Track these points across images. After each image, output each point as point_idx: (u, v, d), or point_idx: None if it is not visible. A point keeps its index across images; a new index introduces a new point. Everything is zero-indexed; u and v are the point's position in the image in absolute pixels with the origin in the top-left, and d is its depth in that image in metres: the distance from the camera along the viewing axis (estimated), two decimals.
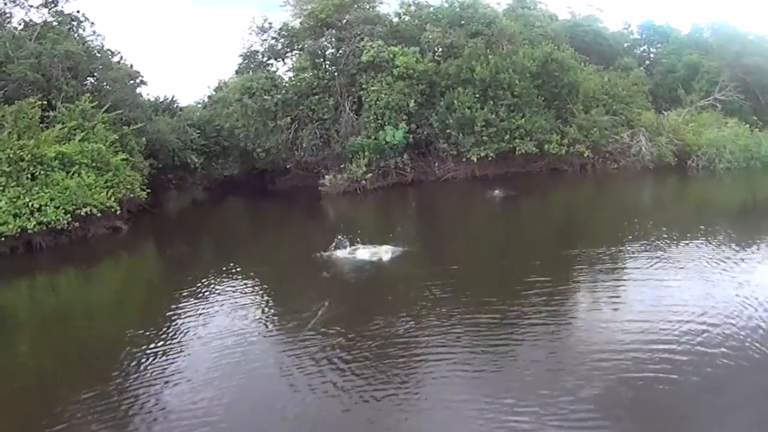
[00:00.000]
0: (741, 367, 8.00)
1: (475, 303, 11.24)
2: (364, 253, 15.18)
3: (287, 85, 30.23)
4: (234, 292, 13.55)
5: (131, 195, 23.34)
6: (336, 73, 29.53)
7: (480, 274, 13.99)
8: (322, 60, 30.43)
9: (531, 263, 13.87)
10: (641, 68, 38.56)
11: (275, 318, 11.79)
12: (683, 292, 11.06)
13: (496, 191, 24.07)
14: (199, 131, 31.65)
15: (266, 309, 12.40)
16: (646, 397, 7.40)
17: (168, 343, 10.63)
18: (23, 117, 21.20)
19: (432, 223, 22.62)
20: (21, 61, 22.75)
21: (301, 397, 8.05)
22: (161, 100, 33.15)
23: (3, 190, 19.25)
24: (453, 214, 23.71)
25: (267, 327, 11.15)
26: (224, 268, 15.81)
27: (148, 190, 24.85)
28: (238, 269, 15.75)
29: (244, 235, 23.34)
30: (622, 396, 7.46)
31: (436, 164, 29.06)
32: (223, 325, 11.18)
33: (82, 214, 20.20)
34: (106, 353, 10.63)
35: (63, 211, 19.63)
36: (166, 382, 8.85)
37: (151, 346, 10.38)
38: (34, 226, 18.97)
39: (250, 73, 31.55)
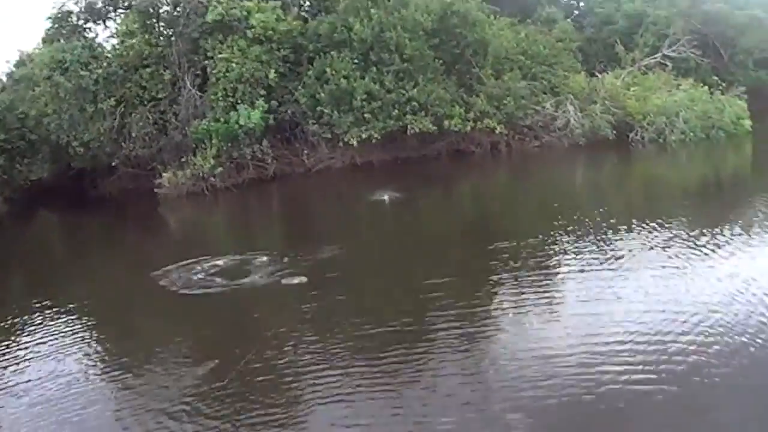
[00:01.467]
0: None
1: (375, 321, 10.06)
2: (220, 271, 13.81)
3: (110, 55, 26.30)
4: (50, 333, 11.81)
5: None
6: (173, 39, 25.32)
7: (376, 291, 12.30)
8: (155, 21, 26.11)
9: (437, 270, 12.41)
10: (568, 20, 34.44)
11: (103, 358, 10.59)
12: (630, 289, 10.24)
13: (383, 195, 20.11)
14: None
15: (92, 348, 10.99)
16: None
17: None
18: None
19: (304, 230, 19.22)
20: None
21: None
22: None
23: None
24: (331, 217, 20.69)
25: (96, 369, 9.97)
26: (37, 305, 13.62)
27: None
28: (56, 305, 13.49)
29: (62, 261, 19.92)
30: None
31: (305, 152, 25.10)
32: (43, 370, 9.85)
33: None
34: None
35: None
36: None
37: None
38: None
39: (62, 41, 26.57)
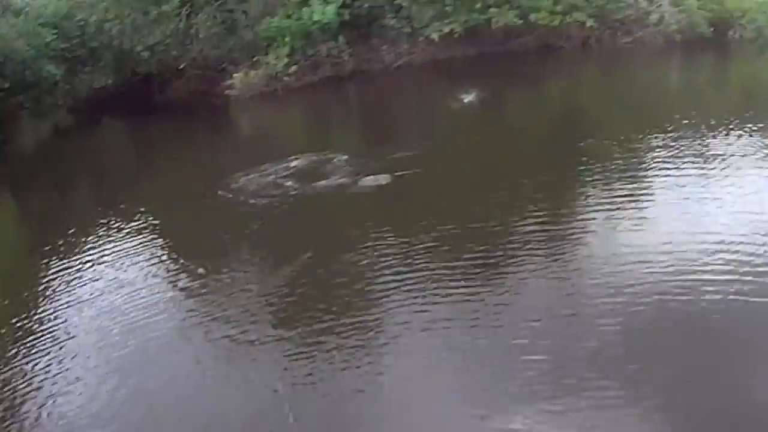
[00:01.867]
0: None
1: (457, 223, 9.79)
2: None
3: None
4: (117, 243, 11.95)
5: None
6: None
7: (459, 191, 11.94)
8: None
9: (523, 169, 12.49)
10: None
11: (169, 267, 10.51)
12: (729, 192, 9.74)
13: (467, 93, 19.43)
14: (55, 31, 25.71)
15: (158, 257, 10.97)
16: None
17: (47, 327, 9.00)
18: None
19: (383, 130, 18.83)
20: None
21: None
22: None
23: None
24: (412, 116, 20.13)
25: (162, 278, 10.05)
26: (103, 215, 13.93)
27: None
28: (124, 215, 13.74)
29: (130, 169, 19.67)
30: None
31: (384, 47, 24.28)
32: (109, 280, 9.90)
33: None
34: None
35: None
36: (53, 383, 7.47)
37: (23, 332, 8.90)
38: None
39: None
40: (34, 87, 24.90)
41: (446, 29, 22.63)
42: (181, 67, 24.95)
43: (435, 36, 22.84)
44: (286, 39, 22.70)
